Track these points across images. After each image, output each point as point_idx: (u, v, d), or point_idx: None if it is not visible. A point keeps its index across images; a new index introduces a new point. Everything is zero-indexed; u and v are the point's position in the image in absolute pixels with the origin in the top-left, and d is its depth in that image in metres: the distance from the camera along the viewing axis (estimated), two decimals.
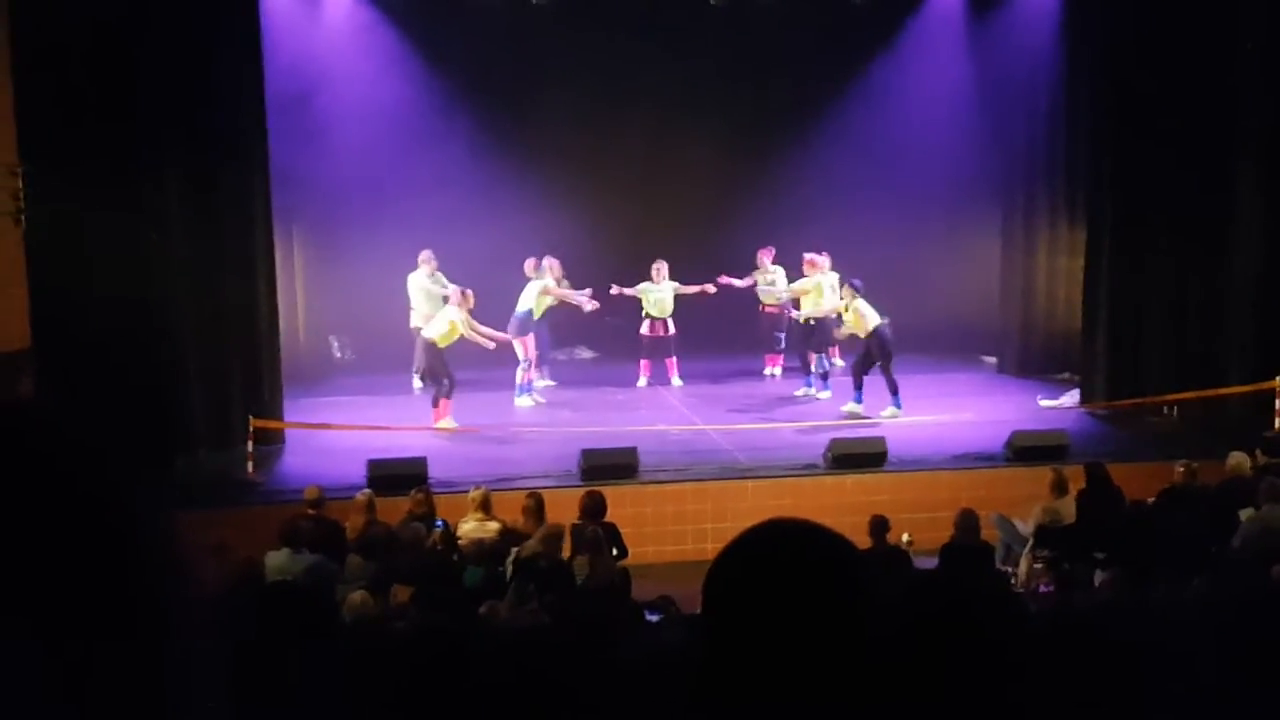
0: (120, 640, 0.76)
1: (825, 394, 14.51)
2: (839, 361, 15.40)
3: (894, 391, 13.47)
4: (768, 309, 15.62)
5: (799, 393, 14.83)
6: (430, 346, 13.28)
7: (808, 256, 14.76)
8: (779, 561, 1.41)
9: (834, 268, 14.65)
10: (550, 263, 14.78)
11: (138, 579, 0.78)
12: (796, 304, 15.00)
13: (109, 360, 11.01)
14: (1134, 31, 13.46)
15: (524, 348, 14.33)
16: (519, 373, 14.36)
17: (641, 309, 15.24)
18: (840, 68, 16.77)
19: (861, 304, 13.61)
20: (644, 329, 15.28)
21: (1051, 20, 15.13)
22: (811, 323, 14.63)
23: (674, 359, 15.31)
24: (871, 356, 13.64)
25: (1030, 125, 15.75)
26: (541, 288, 14.52)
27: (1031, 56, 15.41)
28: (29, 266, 10.99)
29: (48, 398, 10.56)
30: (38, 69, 10.88)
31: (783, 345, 15.60)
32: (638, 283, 15.17)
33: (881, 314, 13.63)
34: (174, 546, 0.82)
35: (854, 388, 13.78)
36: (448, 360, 13.25)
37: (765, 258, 15.55)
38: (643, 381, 15.34)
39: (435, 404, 13.16)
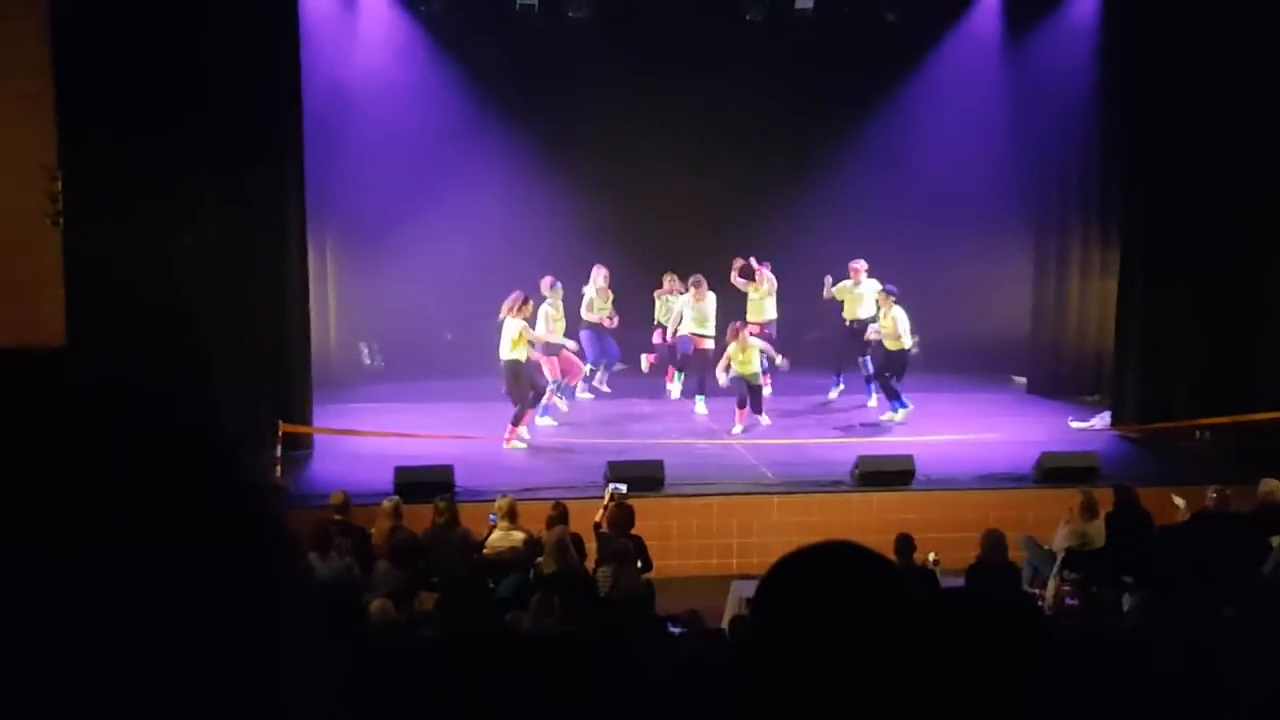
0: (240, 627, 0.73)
1: (875, 401, 14.57)
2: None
3: (894, 397, 13.93)
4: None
5: (833, 395, 14.94)
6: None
7: (852, 264, 14.77)
8: (832, 584, 1.41)
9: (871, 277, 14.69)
10: (550, 282, 14.03)
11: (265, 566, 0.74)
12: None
13: (140, 362, 11.07)
14: (1172, 52, 13.35)
15: (550, 368, 14.05)
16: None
17: (654, 319, 15.39)
18: (875, 85, 16.72)
19: (900, 314, 13.68)
20: (657, 338, 15.37)
21: (1089, 40, 15.06)
22: (854, 326, 14.66)
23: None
24: (885, 367, 13.92)
25: (1065, 145, 15.67)
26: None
27: (1067, 76, 15.33)
28: (65, 268, 11.09)
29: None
30: (78, 74, 10.99)
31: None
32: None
33: (913, 336, 13.71)
34: (290, 531, 0.79)
35: (890, 399, 14.00)
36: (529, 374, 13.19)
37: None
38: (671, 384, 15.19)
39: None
